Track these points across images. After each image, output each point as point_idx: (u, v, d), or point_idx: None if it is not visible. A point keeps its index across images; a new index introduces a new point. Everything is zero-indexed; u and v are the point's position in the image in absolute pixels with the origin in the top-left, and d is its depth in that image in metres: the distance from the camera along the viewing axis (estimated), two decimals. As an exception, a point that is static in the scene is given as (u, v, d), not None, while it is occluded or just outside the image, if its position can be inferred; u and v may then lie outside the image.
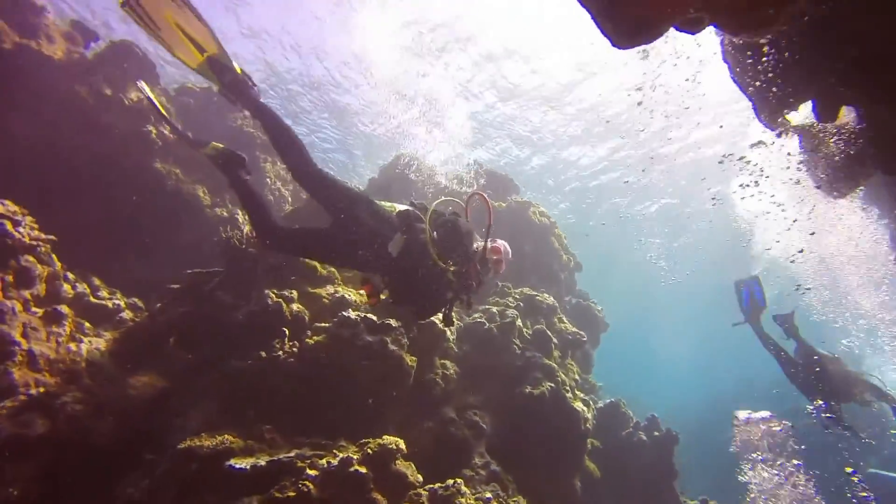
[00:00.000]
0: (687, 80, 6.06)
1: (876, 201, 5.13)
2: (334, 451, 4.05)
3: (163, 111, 3.60)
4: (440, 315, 3.40)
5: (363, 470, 3.80)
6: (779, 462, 7.06)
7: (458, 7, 9.98)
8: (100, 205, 6.55)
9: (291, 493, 3.52)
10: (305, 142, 3.39)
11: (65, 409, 4.26)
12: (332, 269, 5.82)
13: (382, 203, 3.41)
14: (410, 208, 3.37)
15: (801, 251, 7.27)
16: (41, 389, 4.29)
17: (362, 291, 5.54)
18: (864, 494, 9.50)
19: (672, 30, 2.03)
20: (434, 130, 7.64)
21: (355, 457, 3.89)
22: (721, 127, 12.54)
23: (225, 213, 7.68)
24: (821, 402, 6.35)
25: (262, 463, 3.76)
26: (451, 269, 3.16)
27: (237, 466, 3.68)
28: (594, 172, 16.66)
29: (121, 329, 5.40)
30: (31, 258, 4.84)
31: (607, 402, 8.54)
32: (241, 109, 3.37)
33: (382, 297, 3.32)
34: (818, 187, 4.59)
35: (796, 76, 3.20)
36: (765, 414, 7.52)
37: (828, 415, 6.30)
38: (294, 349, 4.80)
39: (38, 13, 6.58)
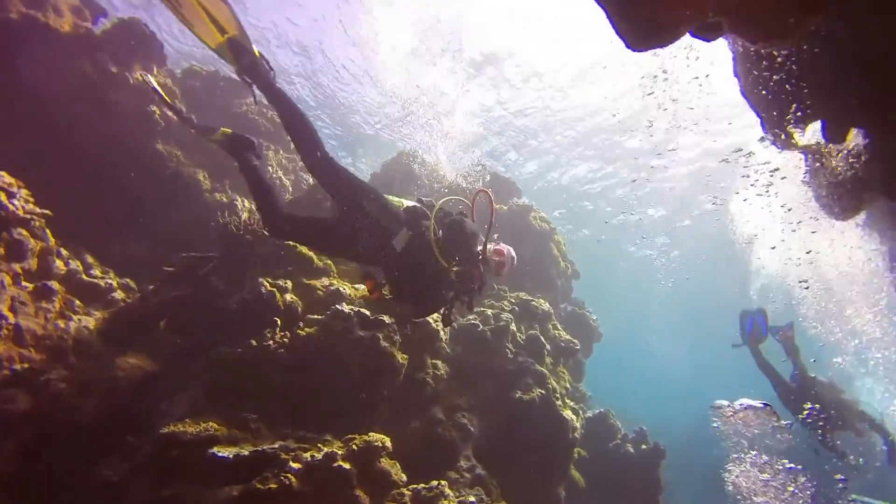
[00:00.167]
0: (695, 81, 6.06)
1: (877, 226, 5.11)
2: (319, 445, 4.00)
3: (167, 98, 3.57)
4: (438, 314, 3.37)
5: (347, 466, 3.76)
6: (774, 464, 6.88)
7: (458, 7, 9.95)
8: (99, 182, 6.48)
9: (273, 485, 3.46)
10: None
11: (49, 386, 4.20)
12: (329, 262, 5.77)
13: (390, 197, 3.37)
14: (418, 205, 3.33)
15: (808, 252, 7.21)
16: (26, 365, 4.23)
17: (359, 286, 5.53)
18: None
19: (687, 36, 2.00)
20: (437, 128, 7.60)
21: (340, 452, 3.84)
22: (715, 142, 12.60)
23: (224, 199, 7.61)
24: (818, 432, 6.35)
25: (246, 453, 3.70)
26: (454, 269, 3.12)
27: (220, 455, 3.63)
28: (592, 181, 16.66)
29: (112, 309, 5.34)
30: (24, 232, 4.77)
31: (596, 413, 8.52)
32: (253, 94, 3.34)
33: (384, 292, 3.28)
34: (821, 207, 4.59)
35: (808, 95, 3.18)
36: (744, 401, 7.26)
37: (819, 437, 6.30)
38: (285, 339, 4.75)
39: (46, -16, 6.50)
